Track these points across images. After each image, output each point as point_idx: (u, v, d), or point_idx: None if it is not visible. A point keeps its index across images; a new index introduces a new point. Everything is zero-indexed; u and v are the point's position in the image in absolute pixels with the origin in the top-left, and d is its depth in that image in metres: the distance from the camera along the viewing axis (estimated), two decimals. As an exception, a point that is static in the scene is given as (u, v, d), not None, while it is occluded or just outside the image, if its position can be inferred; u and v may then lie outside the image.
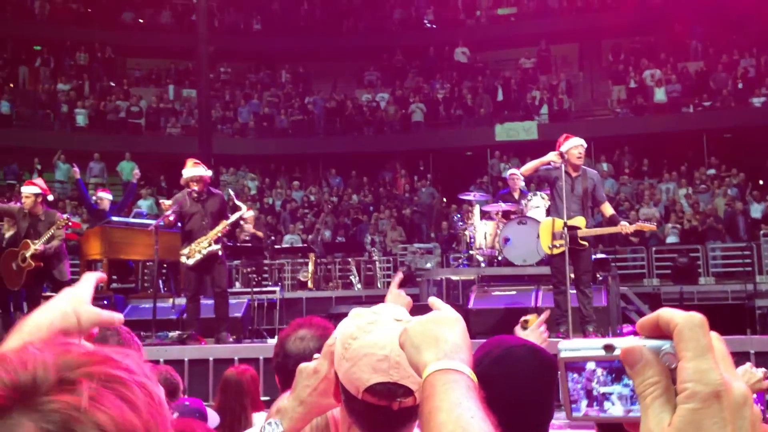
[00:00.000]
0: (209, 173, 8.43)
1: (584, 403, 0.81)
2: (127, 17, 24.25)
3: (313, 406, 1.53)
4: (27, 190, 8.70)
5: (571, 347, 0.82)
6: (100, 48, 23.34)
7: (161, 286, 10.90)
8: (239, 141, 21.89)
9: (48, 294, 8.75)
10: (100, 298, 9.56)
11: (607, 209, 7.57)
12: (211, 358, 7.45)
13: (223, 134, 21.43)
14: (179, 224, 8.28)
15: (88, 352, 0.69)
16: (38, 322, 1.12)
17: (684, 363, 0.70)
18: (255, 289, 10.39)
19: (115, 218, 10.65)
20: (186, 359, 7.42)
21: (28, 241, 8.48)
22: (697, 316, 0.72)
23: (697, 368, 0.69)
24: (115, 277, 10.89)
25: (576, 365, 0.81)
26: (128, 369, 0.68)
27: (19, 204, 8.91)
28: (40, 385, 0.64)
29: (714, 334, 0.72)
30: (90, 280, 1.26)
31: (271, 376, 2.41)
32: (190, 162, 8.34)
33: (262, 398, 4.26)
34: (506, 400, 1.72)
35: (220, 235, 8.06)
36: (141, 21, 24.52)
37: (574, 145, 7.45)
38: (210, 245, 7.96)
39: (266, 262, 13.10)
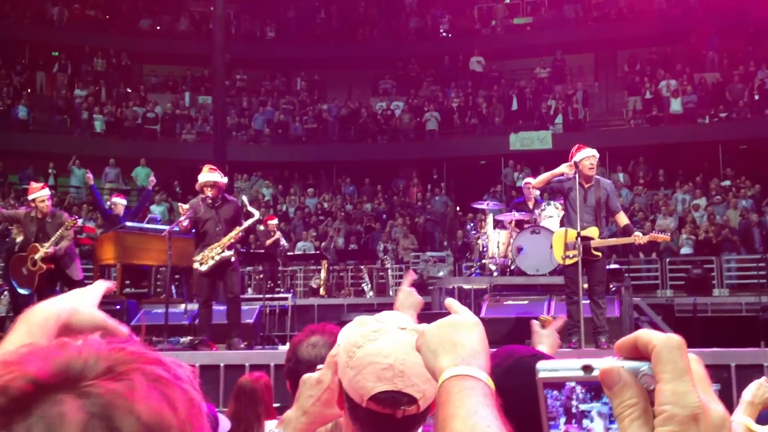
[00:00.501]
0: (224, 180, 8.45)
1: (563, 420, 0.80)
2: (144, 24, 24.43)
3: (317, 416, 1.53)
4: (42, 194, 8.76)
5: (549, 368, 0.82)
6: (116, 54, 23.52)
7: (174, 292, 10.94)
8: (254, 148, 21.98)
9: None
10: (112, 302, 9.63)
11: (622, 219, 7.55)
12: (222, 364, 7.46)
13: (238, 141, 21.53)
14: (193, 230, 8.31)
15: (142, 351, 0.72)
16: (46, 314, 1.13)
17: (662, 385, 0.70)
18: (267, 296, 10.41)
19: (128, 223, 10.70)
20: (197, 365, 7.44)
21: (37, 244, 8.53)
22: (675, 338, 0.72)
23: (675, 390, 0.69)
24: (128, 282, 10.93)
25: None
26: (176, 374, 0.71)
27: (24, 208, 8.98)
28: (90, 371, 0.67)
29: (692, 356, 0.72)
30: (100, 286, 1.27)
31: (283, 383, 2.41)
32: (206, 168, 8.37)
33: (275, 405, 4.26)
34: (517, 411, 1.71)
35: (233, 241, 8.08)
36: (158, 28, 24.69)
37: (585, 156, 7.44)
38: (223, 251, 7.98)
39: (279, 268, 13.12)
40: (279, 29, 24.63)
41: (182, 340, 8.33)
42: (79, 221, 8.71)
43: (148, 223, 12.16)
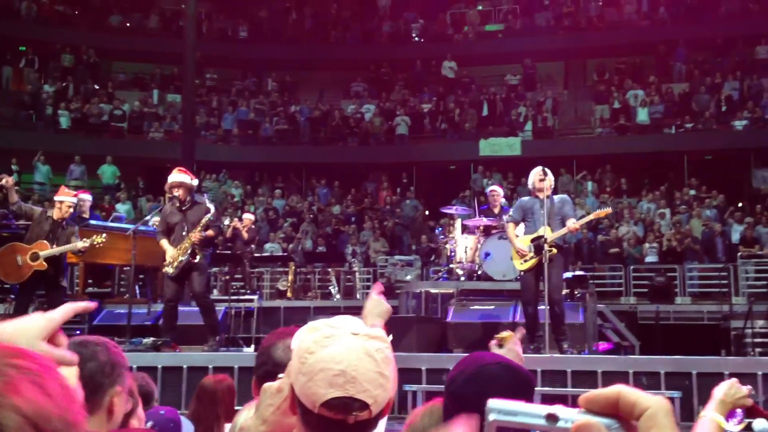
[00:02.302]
0: (194, 182, 8.34)
1: None
2: (114, 21, 24.16)
3: (276, 425, 1.53)
4: (70, 199, 8.62)
5: (505, 409, 0.75)
6: (85, 50, 23.22)
7: (137, 292, 10.81)
8: (223, 148, 21.84)
9: (40, 292, 8.81)
10: (75, 302, 9.47)
11: (569, 222, 7.63)
12: (185, 366, 7.38)
13: (207, 140, 21.37)
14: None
15: (7, 346, 0.72)
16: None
17: None
18: (232, 297, 10.33)
19: (93, 222, 10.56)
20: (160, 366, 7.36)
21: (46, 242, 8.37)
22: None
23: None
24: (90, 281, 10.79)
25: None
26: (45, 364, 0.72)
27: (41, 209, 8.89)
28: None
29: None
30: (65, 312, 1.23)
31: (246, 386, 2.39)
32: (175, 170, 8.29)
33: (237, 408, 4.23)
34: (481, 417, 1.71)
35: (194, 242, 7.94)
36: (128, 25, 24.44)
37: (533, 176, 7.73)
38: (185, 254, 7.89)
39: (246, 270, 13.05)
40: (251, 29, 24.51)
41: (145, 341, 8.24)
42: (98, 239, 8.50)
43: (112, 221, 12.02)
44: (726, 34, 21.47)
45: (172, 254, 7.90)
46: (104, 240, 8.57)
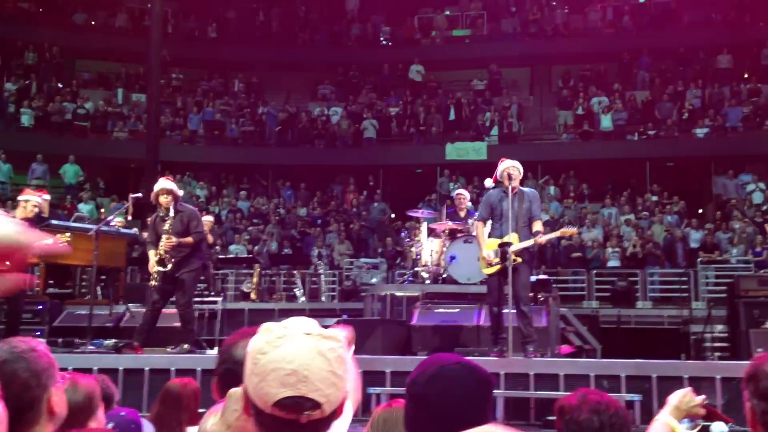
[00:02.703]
0: (180, 192, 8.33)
1: None
2: (79, 19, 23.84)
3: (241, 431, 1.52)
4: (34, 199, 8.45)
5: None
6: (48, 48, 22.88)
7: (99, 293, 10.67)
8: (188, 148, 21.67)
9: None
10: (35, 303, 9.34)
11: (536, 226, 7.60)
12: (146, 368, 7.29)
13: (172, 141, 21.19)
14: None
15: None
16: None
17: None
18: (196, 299, 10.22)
19: (54, 221, 10.39)
20: (121, 368, 7.27)
21: None
22: None
23: None
24: (51, 281, 10.62)
25: None
26: None
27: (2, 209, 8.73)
28: None
29: None
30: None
31: (209, 388, 2.38)
32: (162, 178, 8.30)
33: (201, 411, 4.19)
34: (441, 418, 1.72)
35: (166, 250, 7.88)
36: (93, 23, 24.13)
37: (504, 168, 7.61)
38: (158, 265, 7.86)
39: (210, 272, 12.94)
40: (219, 30, 24.36)
41: (106, 342, 8.14)
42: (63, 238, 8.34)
43: (75, 221, 11.85)
44: (688, 43, 21.85)
45: (151, 265, 7.89)
46: (69, 239, 8.45)
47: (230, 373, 2.17)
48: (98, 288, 10.50)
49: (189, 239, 7.92)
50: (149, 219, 8.32)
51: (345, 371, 1.45)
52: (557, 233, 8.39)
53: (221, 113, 22.21)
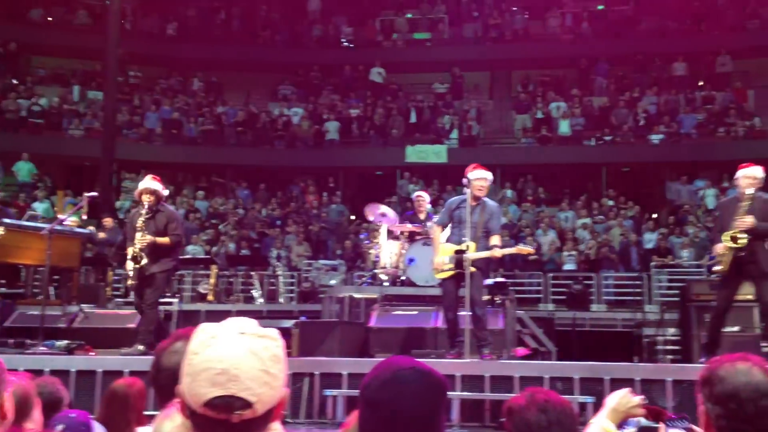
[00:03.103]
0: (166, 192, 8.33)
1: None
2: (35, 14, 23.40)
3: None
4: None
5: None
6: (4, 44, 22.40)
7: (52, 293, 10.48)
8: (145, 147, 21.39)
9: None
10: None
11: (493, 240, 7.65)
12: (99, 370, 7.18)
13: (129, 139, 20.91)
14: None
15: None
16: None
17: None
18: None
19: (6, 220, 10.18)
20: (73, 370, 7.15)
21: None
22: None
23: None
24: (3, 281, 10.39)
25: None
26: None
27: None
28: None
29: None
30: None
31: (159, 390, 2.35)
32: (148, 177, 8.22)
33: (149, 413, 4.15)
34: (393, 423, 1.72)
35: (140, 248, 7.85)
36: (50, 19, 23.70)
37: (478, 177, 7.66)
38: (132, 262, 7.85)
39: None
40: (178, 28, 24.10)
41: (58, 343, 7.99)
42: None
43: (28, 220, 11.62)
44: (645, 50, 22.23)
45: (126, 264, 7.91)
46: (2, 233, 8.30)
47: (154, 380, 2.16)
48: (51, 288, 10.32)
49: (165, 239, 7.93)
50: (129, 215, 8.35)
51: (280, 370, 1.45)
52: (513, 249, 8.50)
53: (179, 112, 21.98)
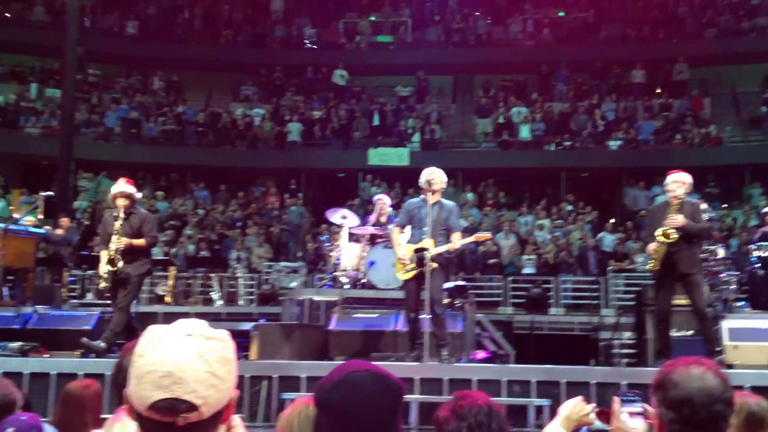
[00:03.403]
0: (139, 195, 8.38)
1: None
2: (-9, 10, 22.98)
3: None
4: None
5: None
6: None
7: (6, 294, 10.27)
8: (103, 146, 21.09)
9: None
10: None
11: (454, 237, 7.70)
12: (53, 372, 7.07)
13: (87, 138, 20.60)
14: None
15: None
16: None
17: None
18: (108, 302, 9.95)
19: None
20: (27, 372, 7.03)
21: None
22: None
23: None
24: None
25: None
26: None
27: None
28: None
29: None
30: None
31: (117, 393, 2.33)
32: (122, 180, 8.25)
33: (105, 416, 4.10)
34: (345, 426, 1.71)
35: (117, 251, 7.80)
36: (8, 15, 23.26)
37: (425, 175, 7.73)
38: (108, 265, 7.80)
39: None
40: (139, 26, 23.82)
41: (12, 345, 7.84)
42: None
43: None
44: (604, 57, 22.55)
45: (101, 267, 7.87)
46: None
47: (115, 382, 2.15)
48: (5, 289, 10.11)
49: (141, 241, 7.95)
50: (102, 218, 8.34)
51: (228, 372, 1.43)
52: (472, 238, 8.53)
53: (139, 111, 21.72)
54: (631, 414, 2.17)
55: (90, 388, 3.94)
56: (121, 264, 7.80)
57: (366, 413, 1.72)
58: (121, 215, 7.86)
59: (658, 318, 7.71)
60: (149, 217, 8.34)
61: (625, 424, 2.16)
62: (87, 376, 6.64)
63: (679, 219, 7.27)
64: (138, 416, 1.41)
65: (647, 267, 7.69)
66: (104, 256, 7.88)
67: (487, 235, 9.33)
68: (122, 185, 8.11)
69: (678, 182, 7.51)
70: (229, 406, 1.46)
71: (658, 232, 7.30)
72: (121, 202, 7.94)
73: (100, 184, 19.93)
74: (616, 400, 2.20)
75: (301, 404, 2.39)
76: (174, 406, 1.36)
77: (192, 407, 1.37)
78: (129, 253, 7.88)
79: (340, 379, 1.75)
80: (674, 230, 7.24)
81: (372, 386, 1.75)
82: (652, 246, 7.40)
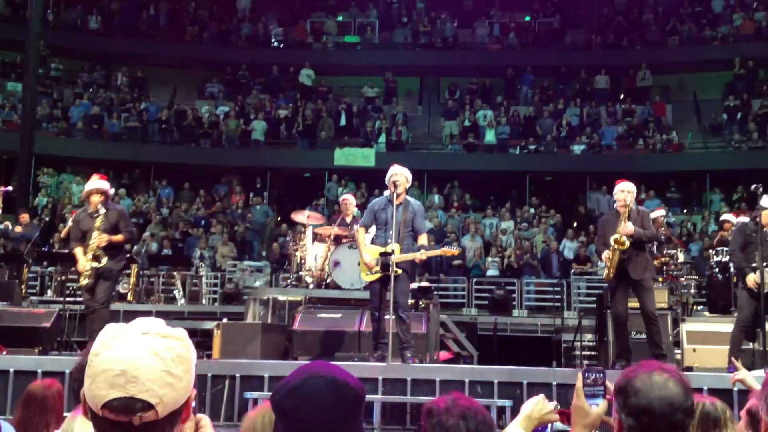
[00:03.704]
0: (112, 191, 8.41)
1: None
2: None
3: None
4: None
5: None
6: None
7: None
8: (65, 141, 20.76)
9: None
10: None
11: (420, 239, 7.71)
12: (11, 370, 6.94)
13: (48, 133, 20.26)
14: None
15: None
16: None
17: None
18: (67, 299, 9.83)
19: None
20: (-17, 370, 6.90)
21: None
22: None
23: None
24: None
25: None
26: None
27: None
28: None
29: None
30: None
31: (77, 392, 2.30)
32: (95, 177, 8.24)
33: (66, 414, 4.04)
34: (299, 431, 1.67)
35: (98, 248, 7.76)
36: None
37: (390, 174, 7.70)
38: (91, 261, 7.76)
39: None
40: (103, 21, 23.51)
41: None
42: None
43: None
44: (569, 63, 22.82)
45: (82, 264, 7.82)
46: None
47: (78, 383, 2.12)
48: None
49: (120, 237, 7.97)
50: (73, 216, 8.35)
51: (185, 371, 1.41)
52: (438, 251, 8.58)
53: (101, 107, 21.43)
54: (593, 393, 2.18)
55: (52, 387, 3.88)
56: (105, 260, 7.80)
57: (318, 421, 1.66)
58: (101, 211, 7.83)
59: (616, 322, 7.89)
60: (124, 211, 8.36)
61: (586, 402, 2.17)
62: (46, 373, 6.53)
63: (629, 227, 7.47)
64: (93, 416, 1.39)
65: (602, 275, 7.86)
66: (80, 253, 7.86)
67: (455, 250, 9.36)
68: (97, 182, 8.10)
69: (625, 191, 7.71)
70: (188, 405, 1.44)
71: (612, 239, 7.48)
72: (97, 199, 7.93)
73: (60, 181, 19.61)
74: (579, 377, 2.20)
75: (266, 407, 2.36)
76: (129, 405, 1.35)
77: (147, 406, 1.36)
78: (108, 249, 7.89)
79: (296, 384, 1.69)
80: (626, 237, 7.43)
81: (327, 394, 1.68)
82: (605, 254, 7.58)
